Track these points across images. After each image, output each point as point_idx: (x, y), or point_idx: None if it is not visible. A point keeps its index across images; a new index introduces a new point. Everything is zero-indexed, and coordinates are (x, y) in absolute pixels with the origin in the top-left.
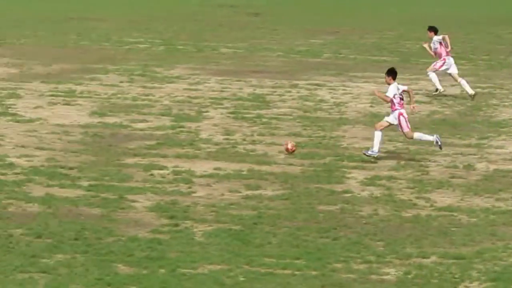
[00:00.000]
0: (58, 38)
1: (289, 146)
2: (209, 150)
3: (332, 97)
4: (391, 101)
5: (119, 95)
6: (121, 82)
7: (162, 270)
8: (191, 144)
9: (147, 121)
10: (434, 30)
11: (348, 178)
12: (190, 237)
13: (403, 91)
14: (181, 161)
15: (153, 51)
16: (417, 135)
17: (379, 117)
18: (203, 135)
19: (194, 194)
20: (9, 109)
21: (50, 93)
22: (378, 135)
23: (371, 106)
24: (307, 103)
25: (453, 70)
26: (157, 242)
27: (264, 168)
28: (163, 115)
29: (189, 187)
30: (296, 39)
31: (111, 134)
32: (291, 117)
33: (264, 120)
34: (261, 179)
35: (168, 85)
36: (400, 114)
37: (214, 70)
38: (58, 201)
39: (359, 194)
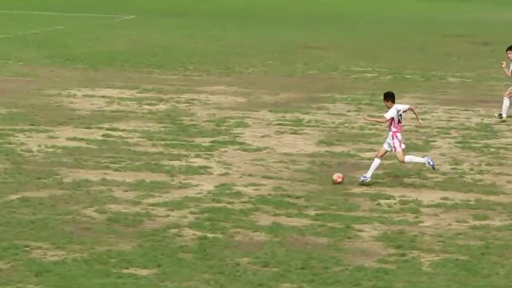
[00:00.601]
0: (286, 67)
1: (338, 179)
2: (436, 179)
3: None
4: (390, 122)
5: (346, 124)
6: (349, 111)
7: None
8: (418, 174)
9: (374, 151)
10: None
11: None
12: (417, 267)
13: (404, 111)
14: (408, 191)
15: (381, 80)
16: (408, 158)
17: None
18: None
19: (421, 224)
20: (237, 138)
21: (278, 122)
22: (376, 162)
23: None
24: None
25: None
26: (383, 272)
27: (492, 198)
28: None
29: (416, 217)
30: None
31: (338, 163)
32: None
33: (492, 149)
34: (489, 209)
35: None
36: (394, 133)
37: (442, 99)
38: (285, 230)
39: None
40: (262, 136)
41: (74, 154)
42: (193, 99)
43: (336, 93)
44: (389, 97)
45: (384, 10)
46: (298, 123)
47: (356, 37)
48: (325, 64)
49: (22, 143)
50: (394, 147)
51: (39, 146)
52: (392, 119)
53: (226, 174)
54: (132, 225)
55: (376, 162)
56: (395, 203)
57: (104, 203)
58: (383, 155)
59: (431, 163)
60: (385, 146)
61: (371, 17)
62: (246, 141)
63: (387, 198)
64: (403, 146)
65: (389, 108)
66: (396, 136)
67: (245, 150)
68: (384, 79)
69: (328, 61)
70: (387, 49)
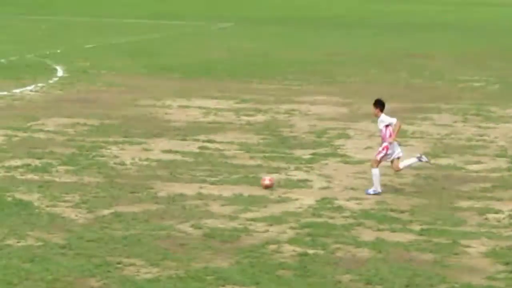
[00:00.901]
0: (389, 76)
1: (267, 183)
2: None
3: None
4: (381, 131)
5: (452, 136)
6: (455, 122)
7: None
8: None
9: (482, 163)
10: None
11: None
12: None
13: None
14: None
15: (488, 89)
16: (375, 171)
17: None
18: None
19: None
20: (338, 149)
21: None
22: (411, 162)
23: None
24: None
25: None
26: None
27: None
28: (498, 156)
29: None
30: None
31: (444, 176)
32: None
33: None
34: None
35: (503, 125)
36: (386, 147)
37: None
38: (389, 246)
39: None
40: (365, 148)
41: (169, 167)
42: (293, 110)
43: (442, 103)
44: (380, 105)
45: (485, 18)
46: (403, 135)
47: (462, 44)
48: (430, 73)
49: (115, 156)
50: (378, 151)
51: (133, 159)
52: (387, 126)
53: (327, 187)
54: (229, 241)
55: (411, 162)
56: (503, 218)
57: (200, 218)
58: (398, 164)
59: (372, 193)
60: (395, 155)
61: (475, 25)
62: (348, 153)
63: (496, 213)
64: (386, 157)
65: (376, 116)
66: (387, 149)
67: (347, 163)
68: (491, 88)
69: (433, 69)
70: (494, 57)
